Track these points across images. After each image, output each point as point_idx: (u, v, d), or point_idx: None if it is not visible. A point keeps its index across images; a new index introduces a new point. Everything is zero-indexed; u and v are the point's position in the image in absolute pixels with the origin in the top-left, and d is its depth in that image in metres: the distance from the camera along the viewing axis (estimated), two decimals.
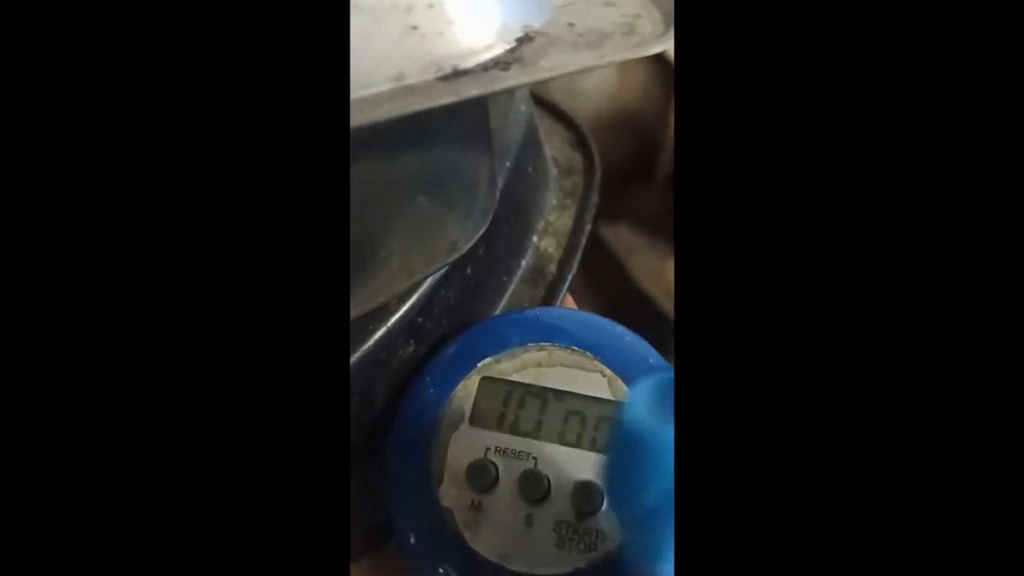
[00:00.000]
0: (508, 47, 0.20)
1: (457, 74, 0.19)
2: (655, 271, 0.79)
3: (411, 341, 0.29)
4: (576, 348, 0.28)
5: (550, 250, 0.35)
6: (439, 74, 0.19)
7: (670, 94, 0.73)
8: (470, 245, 0.26)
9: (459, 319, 0.30)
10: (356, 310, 0.25)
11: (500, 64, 0.19)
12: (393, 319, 0.28)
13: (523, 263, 0.34)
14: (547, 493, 0.25)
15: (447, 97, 0.18)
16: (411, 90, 0.18)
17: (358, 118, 0.18)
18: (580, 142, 0.38)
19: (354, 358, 0.27)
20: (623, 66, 0.75)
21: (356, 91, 0.18)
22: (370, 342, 0.27)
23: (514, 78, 0.19)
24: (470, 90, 0.18)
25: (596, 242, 0.81)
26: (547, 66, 0.19)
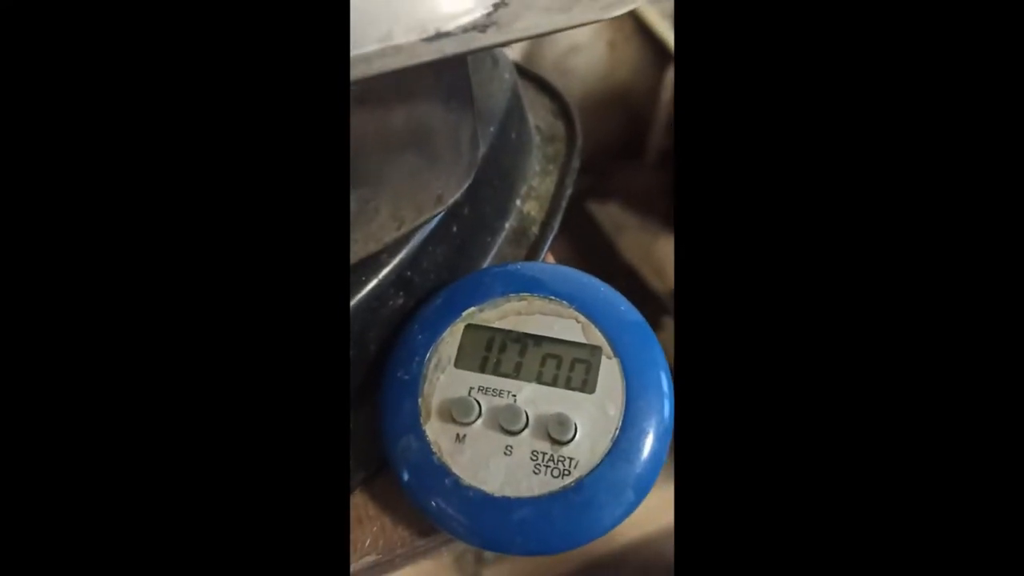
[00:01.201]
0: (485, 11, 0.22)
1: (439, 36, 0.21)
2: (645, 248, 0.82)
3: (401, 293, 0.31)
4: (553, 297, 0.30)
5: (532, 213, 0.37)
6: (423, 36, 0.21)
7: (660, 72, 0.75)
8: (455, 199, 0.28)
9: (446, 275, 0.32)
10: (351, 257, 0.27)
11: (478, 27, 0.21)
12: (384, 271, 0.30)
13: (507, 224, 0.36)
14: (525, 426, 0.27)
15: (430, 55, 0.20)
16: (398, 49, 0.20)
17: (352, 73, 0.20)
18: (563, 111, 0.40)
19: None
20: (613, 44, 0.77)
21: (350, 50, 0.20)
22: (363, 292, 0.30)
23: (490, 39, 0.21)
24: (450, 48, 0.20)
25: (586, 219, 0.83)
26: (521, 28, 0.21)
